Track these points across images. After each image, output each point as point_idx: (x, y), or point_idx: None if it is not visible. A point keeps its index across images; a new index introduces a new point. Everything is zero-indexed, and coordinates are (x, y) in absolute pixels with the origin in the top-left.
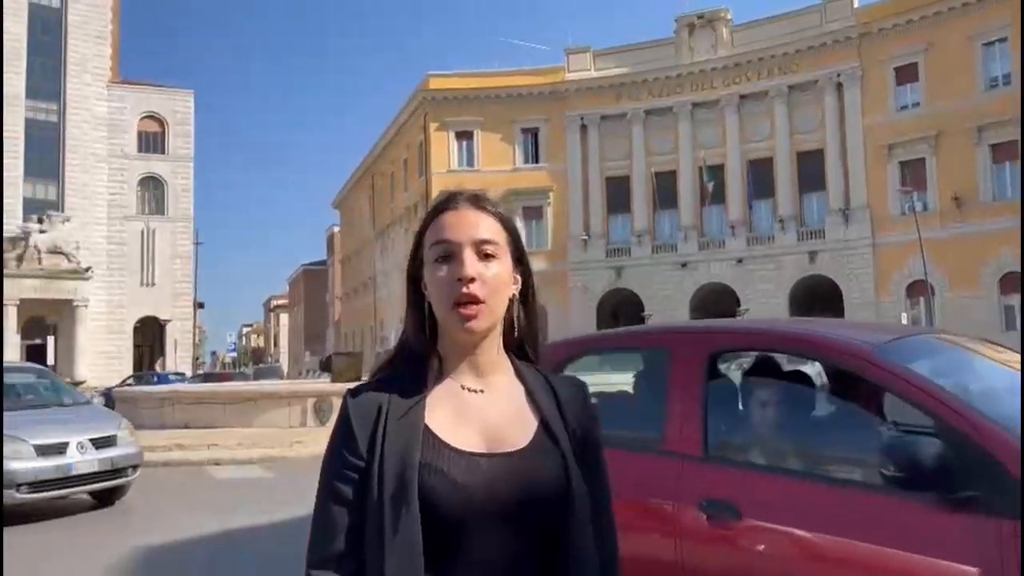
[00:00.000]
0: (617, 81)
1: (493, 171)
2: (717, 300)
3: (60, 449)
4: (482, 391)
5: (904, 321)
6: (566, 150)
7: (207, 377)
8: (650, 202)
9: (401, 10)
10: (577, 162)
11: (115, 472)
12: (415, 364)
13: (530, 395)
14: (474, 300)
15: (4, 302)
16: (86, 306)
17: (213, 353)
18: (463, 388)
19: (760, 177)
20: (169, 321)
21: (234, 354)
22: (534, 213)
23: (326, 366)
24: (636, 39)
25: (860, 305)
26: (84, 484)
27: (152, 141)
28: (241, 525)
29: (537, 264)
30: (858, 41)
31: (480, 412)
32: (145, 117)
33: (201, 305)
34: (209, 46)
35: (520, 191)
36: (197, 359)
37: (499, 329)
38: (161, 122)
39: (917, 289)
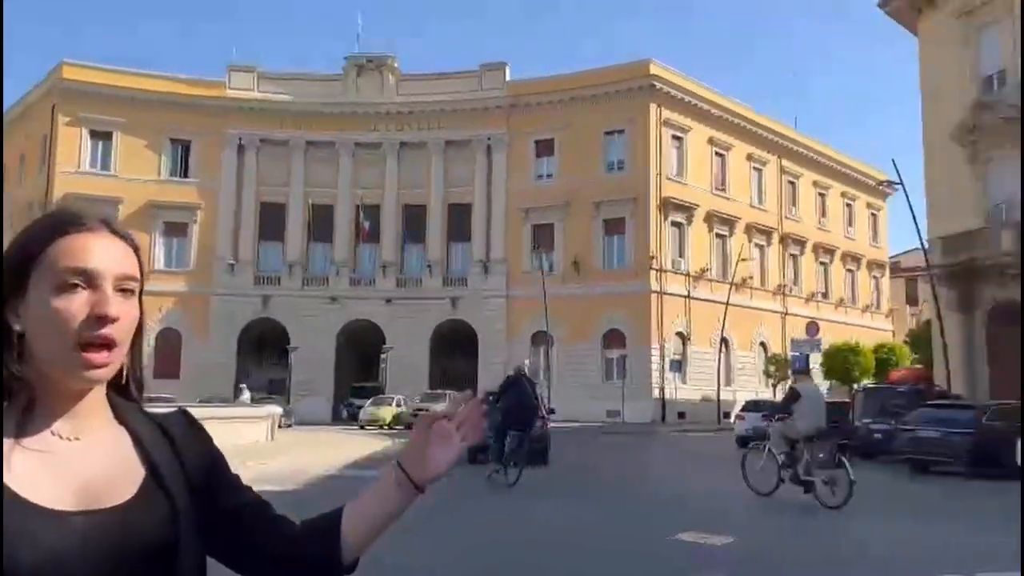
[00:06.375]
0: (281, 107)
1: (132, 179)
2: (365, 337)
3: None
4: (78, 439)
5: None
6: (221, 168)
7: None
8: (305, 233)
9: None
10: (232, 182)
11: None
12: None
13: (136, 440)
14: (108, 344)
15: None
16: None
17: None
18: (53, 435)
19: (414, 222)
20: None
21: None
22: (177, 230)
23: None
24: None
25: (493, 349)
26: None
27: None
28: None
29: (176, 285)
30: (507, 111)
31: (75, 464)
32: None
33: None
34: None
35: (164, 205)
36: None
37: None
38: None
39: (540, 338)
